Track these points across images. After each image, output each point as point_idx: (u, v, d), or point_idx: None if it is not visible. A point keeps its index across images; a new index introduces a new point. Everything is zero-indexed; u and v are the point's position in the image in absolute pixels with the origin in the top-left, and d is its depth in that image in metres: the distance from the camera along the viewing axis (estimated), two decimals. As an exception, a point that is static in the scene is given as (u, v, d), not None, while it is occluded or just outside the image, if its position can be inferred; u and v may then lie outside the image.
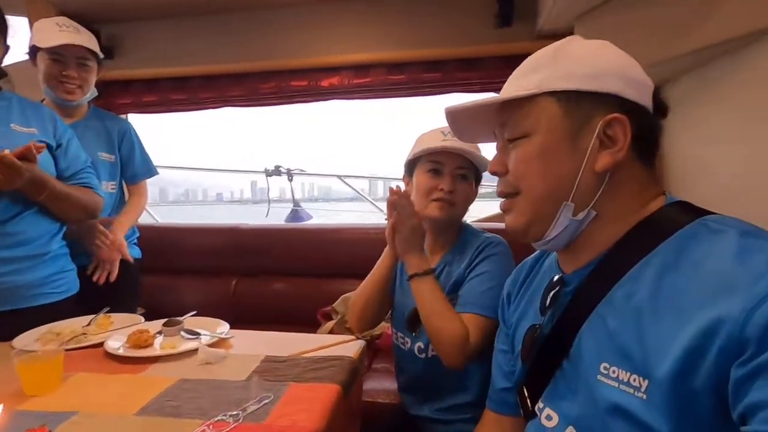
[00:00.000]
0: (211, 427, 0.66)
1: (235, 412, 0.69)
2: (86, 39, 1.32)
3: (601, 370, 0.49)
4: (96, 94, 1.43)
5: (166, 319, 1.06)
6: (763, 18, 0.94)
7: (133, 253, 1.50)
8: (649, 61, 1.27)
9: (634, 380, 0.46)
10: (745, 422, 0.37)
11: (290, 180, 2.71)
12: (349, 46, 1.89)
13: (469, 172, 0.93)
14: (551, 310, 0.59)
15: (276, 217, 2.81)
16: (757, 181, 1.04)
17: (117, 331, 1.04)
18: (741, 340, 0.38)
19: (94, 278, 1.33)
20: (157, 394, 0.76)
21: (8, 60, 1.19)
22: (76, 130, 1.29)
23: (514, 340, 0.68)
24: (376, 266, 0.96)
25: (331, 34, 1.87)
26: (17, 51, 1.26)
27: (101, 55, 1.40)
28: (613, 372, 0.48)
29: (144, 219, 3.01)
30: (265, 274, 1.98)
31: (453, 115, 0.61)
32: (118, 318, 1.13)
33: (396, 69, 1.90)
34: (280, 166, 2.71)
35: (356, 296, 0.99)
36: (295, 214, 2.78)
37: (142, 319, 1.12)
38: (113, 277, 1.36)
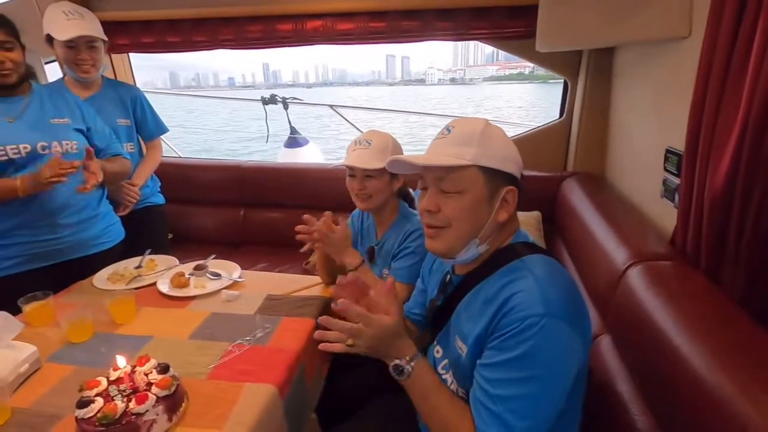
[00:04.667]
0: (234, 347, 1.09)
1: (248, 338, 1.12)
2: (92, 26, 1.53)
3: (455, 338, 0.86)
4: (107, 68, 1.65)
5: (195, 263, 1.47)
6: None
7: (157, 200, 1.86)
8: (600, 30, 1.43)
9: (461, 345, 0.83)
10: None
11: (286, 108, 2.91)
12: None
13: (375, 172, 1.22)
14: (443, 295, 0.96)
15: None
16: (658, 149, 1.30)
17: (162, 273, 1.45)
18: (486, 342, 0.75)
19: (118, 213, 1.68)
20: (199, 324, 1.18)
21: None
22: (95, 102, 1.57)
23: (426, 295, 1.07)
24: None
25: None
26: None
27: (105, 38, 1.58)
28: (458, 340, 0.85)
29: (167, 152, 3.30)
30: (267, 206, 2.36)
31: (395, 163, 0.87)
32: (160, 260, 1.54)
33: (378, 16, 2.01)
34: (275, 95, 2.89)
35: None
36: (293, 141, 3.05)
37: (176, 261, 1.53)
38: (126, 212, 1.71)
